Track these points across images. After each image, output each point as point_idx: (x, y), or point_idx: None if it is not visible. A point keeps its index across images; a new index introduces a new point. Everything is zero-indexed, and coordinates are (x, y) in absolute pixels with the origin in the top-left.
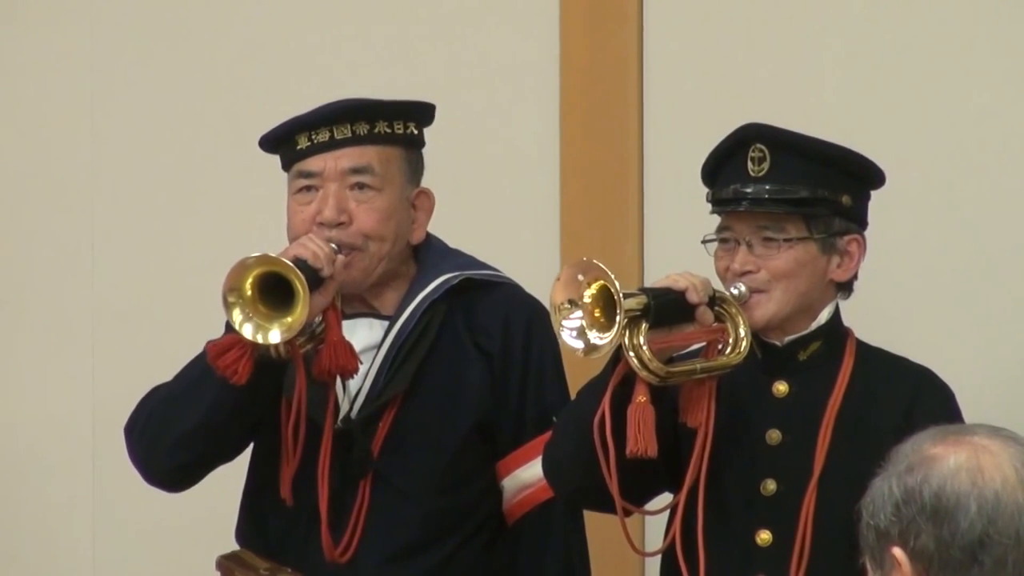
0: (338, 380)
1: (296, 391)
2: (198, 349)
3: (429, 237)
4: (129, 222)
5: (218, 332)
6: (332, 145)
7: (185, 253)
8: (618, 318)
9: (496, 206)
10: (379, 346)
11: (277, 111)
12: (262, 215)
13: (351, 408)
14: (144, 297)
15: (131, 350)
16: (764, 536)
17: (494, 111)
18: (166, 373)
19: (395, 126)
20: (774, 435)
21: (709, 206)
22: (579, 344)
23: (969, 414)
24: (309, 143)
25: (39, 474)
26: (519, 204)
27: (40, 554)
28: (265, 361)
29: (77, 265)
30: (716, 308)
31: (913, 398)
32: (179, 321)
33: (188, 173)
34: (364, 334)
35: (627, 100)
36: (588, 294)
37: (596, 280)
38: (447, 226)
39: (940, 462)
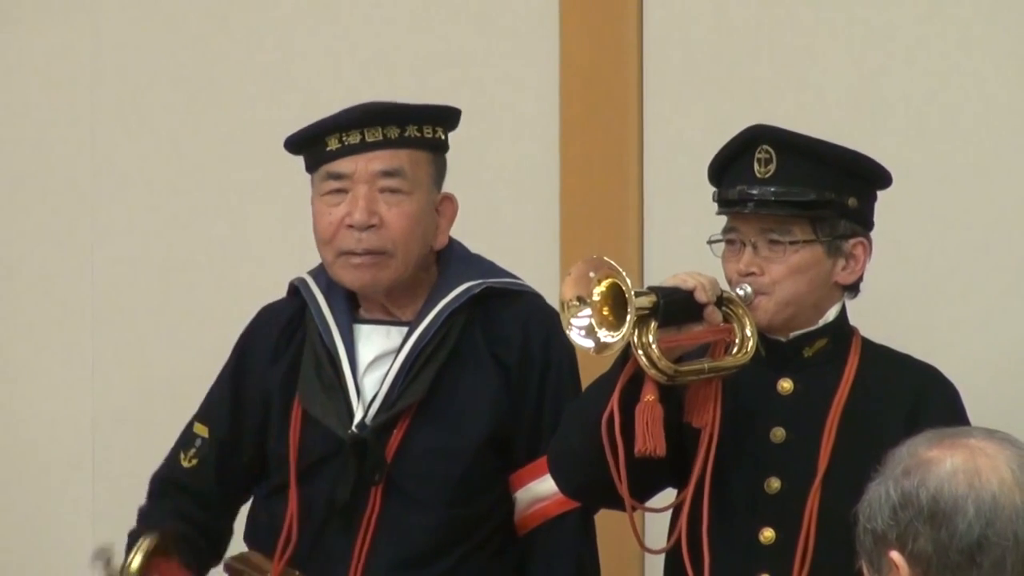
0: (352, 389)
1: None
2: (197, 349)
3: (451, 242)
4: (129, 222)
5: (216, 330)
6: (363, 147)
7: (185, 253)
8: (629, 316)
9: (496, 206)
10: (397, 352)
11: (278, 113)
12: (263, 215)
13: (365, 415)
14: (144, 297)
15: (131, 350)
16: (768, 534)
17: (494, 111)
18: (165, 373)
19: (424, 130)
20: (778, 433)
21: (709, 206)
22: (589, 343)
23: (973, 413)
24: (340, 145)
25: (39, 474)
26: (519, 204)
27: (40, 554)
28: None
29: (77, 265)
30: (723, 308)
31: (918, 396)
32: (179, 321)
33: (188, 173)
34: (381, 339)
35: (627, 100)
36: (598, 291)
37: (607, 277)
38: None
39: (937, 465)
